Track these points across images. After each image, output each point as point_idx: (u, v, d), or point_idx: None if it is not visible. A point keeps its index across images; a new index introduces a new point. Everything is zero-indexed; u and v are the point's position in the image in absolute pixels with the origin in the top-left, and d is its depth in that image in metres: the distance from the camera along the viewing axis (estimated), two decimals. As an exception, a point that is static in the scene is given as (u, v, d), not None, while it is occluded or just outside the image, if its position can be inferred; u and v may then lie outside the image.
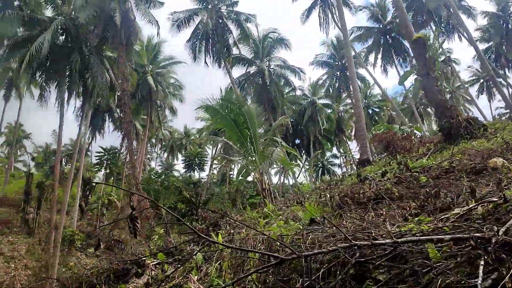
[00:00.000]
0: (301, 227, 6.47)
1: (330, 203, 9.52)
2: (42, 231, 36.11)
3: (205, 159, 57.28)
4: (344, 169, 60.42)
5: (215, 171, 68.46)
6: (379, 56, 43.02)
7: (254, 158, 17.68)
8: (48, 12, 29.08)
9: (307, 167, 49.38)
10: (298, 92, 51.21)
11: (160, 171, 57.25)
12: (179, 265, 11.53)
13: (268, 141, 19.75)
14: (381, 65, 43.32)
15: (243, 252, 5.41)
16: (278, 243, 5.36)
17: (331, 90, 50.56)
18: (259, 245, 6.73)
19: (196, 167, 54.34)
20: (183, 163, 56.63)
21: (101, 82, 26.49)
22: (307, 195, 14.60)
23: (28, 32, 26.52)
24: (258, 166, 17.67)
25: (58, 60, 27.03)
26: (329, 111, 53.64)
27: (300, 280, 3.70)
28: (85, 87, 29.38)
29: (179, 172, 67.01)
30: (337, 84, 49.25)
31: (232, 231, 11.95)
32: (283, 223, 8.06)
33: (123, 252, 18.67)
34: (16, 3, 27.37)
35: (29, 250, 32.18)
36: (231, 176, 66.45)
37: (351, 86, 36.26)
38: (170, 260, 12.07)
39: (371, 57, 43.72)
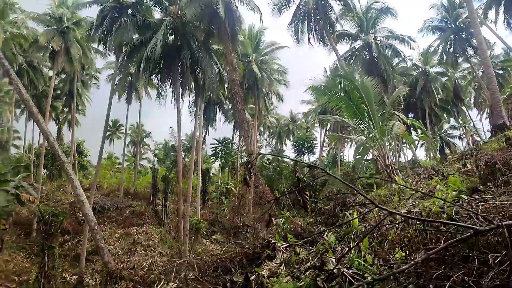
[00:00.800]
0: (464, 197, 5.74)
1: (478, 172, 8.47)
2: (170, 221, 38.89)
3: (314, 142, 56.75)
4: (465, 141, 55.62)
5: (324, 154, 67.76)
6: (501, 10, 38.30)
7: (373, 134, 16.77)
8: (157, 15, 30.88)
9: (423, 142, 46.23)
10: (408, 63, 47.95)
11: (271, 158, 58.12)
12: (311, 247, 11.29)
13: (386, 115, 18.63)
14: (503, 21, 38.54)
15: (422, 224, 4.81)
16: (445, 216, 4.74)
17: (444, 57, 46.44)
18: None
19: (306, 151, 54.07)
20: (292, 148, 56.74)
21: (211, 75, 27.42)
22: (438, 169, 13.41)
23: (141, 36, 28.38)
24: (379, 142, 16.71)
25: (170, 58, 28.59)
26: (444, 79, 49.52)
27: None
28: (196, 82, 30.74)
29: (289, 157, 67.56)
30: (451, 49, 45.04)
31: (362, 210, 11.39)
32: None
33: (247, 237, 19.14)
34: (129, 11, 29.40)
35: (162, 239, 34.81)
36: (342, 157, 65.16)
37: (475, 42, 32.54)
38: (300, 242, 11.91)
39: (491, 14, 39.13)
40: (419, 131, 34.59)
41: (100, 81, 55.47)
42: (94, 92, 56.48)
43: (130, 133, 69.44)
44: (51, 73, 43.43)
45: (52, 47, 37.85)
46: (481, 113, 60.12)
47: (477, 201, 4.51)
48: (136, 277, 15.63)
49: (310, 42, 37.96)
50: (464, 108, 56.98)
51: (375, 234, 9.02)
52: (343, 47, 45.16)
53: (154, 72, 30.88)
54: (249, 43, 41.50)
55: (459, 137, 59.31)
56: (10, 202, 25.29)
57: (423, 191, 7.82)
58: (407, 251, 6.19)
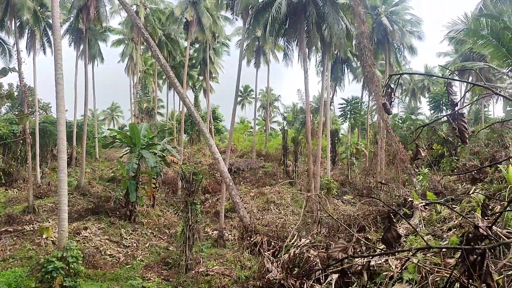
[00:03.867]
0: None
1: None
2: (301, 181, 39.51)
3: (454, 96, 51.80)
4: None
5: (465, 110, 61.52)
6: None
7: (530, 80, 14.49)
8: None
9: None
10: None
11: (404, 116, 54.87)
12: (454, 206, 10.31)
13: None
14: None
15: None
16: None
17: None
18: None
19: (444, 107, 49.68)
20: (428, 105, 52.60)
21: (337, 30, 26.37)
22: None
23: (265, -3, 28.36)
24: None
25: (296, 17, 28.14)
26: None
27: None
28: (322, 40, 29.91)
29: (424, 115, 63.01)
30: None
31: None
32: None
33: (380, 197, 18.43)
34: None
35: (293, 198, 35.64)
36: (487, 112, 58.65)
37: None
38: (441, 200, 10.97)
39: None
40: None
41: (230, 48, 57.70)
42: (226, 59, 59.03)
43: (260, 97, 71.53)
44: (186, 43, 46.37)
45: (185, 18, 40.13)
46: None
47: None
48: (270, 232, 16.22)
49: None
50: None
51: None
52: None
53: (280, 33, 30.84)
54: (378, -7, 38.87)
55: None
56: (158, 163, 28.08)
57: None
58: None
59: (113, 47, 52.58)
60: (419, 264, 7.43)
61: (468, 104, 58.06)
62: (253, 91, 69.14)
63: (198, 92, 62.55)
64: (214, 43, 51.33)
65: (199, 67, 53.86)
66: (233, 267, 19.68)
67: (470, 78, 48.40)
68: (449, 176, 12.54)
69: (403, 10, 41.05)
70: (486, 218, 6.59)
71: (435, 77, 67.55)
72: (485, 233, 2.31)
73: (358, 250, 10.73)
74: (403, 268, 7.83)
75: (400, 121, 49.83)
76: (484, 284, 2.12)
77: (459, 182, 11.22)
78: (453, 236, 8.28)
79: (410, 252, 6.46)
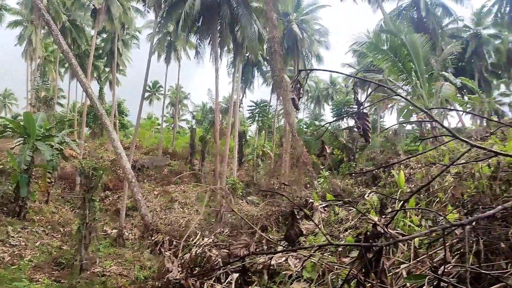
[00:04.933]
0: None
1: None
2: (207, 180, 39.37)
3: (354, 106, 55.28)
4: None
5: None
6: None
7: (420, 94, 15.87)
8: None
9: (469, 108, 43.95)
10: (459, 25, 45.11)
11: (308, 122, 57.34)
12: (351, 208, 10.88)
13: (435, 74, 17.58)
14: None
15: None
16: None
17: (499, 17, 43.36)
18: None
19: (345, 114, 52.85)
20: (331, 112, 55.57)
21: (250, 33, 26.75)
22: (492, 131, 12.51)
23: (180, -8, 27.83)
24: (426, 103, 15.82)
25: (209, 15, 28.00)
26: (497, 42, 46.46)
27: None
28: (235, 41, 30.12)
29: (327, 122, 66.40)
30: (508, 8, 41.92)
31: (407, 172, 10.80)
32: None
33: (283, 198, 18.94)
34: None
35: (198, 197, 35.37)
36: (382, 122, 63.45)
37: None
38: (339, 202, 11.52)
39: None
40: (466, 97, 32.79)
41: (140, 41, 55.69)
42: (134, 53, 56.75)
43: (169, 94, 70.04)
44: (92, 32, 43.84)
45: (93, 5, 37.94)
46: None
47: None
48: (173, 232, 15.85)
49: (354, -1, 36.26)
50: (517, 73, 53.64)
51: (422, 195, 8.50)
52: (389, 6, 42.94)
53: (192, 30, 30.47)
54: (290, 0, 40.09)
55: (510, 105, 56.32)
56: (55, 157, 26.09)
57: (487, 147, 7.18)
58: (460, 212, 5.70)
59: (9, 29, 48.08)
60: (317, 263, 7.63)
61: (368, 106, 62.16)
62: (162, 87, 67.59)
63: (104, 84, 59.39)
64: (123, 34, 49.21)
65: (105, 58, 51.21)
66: (132, 267, 18.93)
67: (369, 90, 51.94)
68: (347, 180, 13.24)
69: (312, 20, 42.91)
70: (384, 217, 6.98)
71: (338, 86, 71.63)
72: (382, 231, 2.38)
73: (260, 249, 10.86)
74: (302, 267, 8.02)
75: (305, 126, 51.99)
76: (378, 281, 2.18)
77: (356, 185, 11.88)
78: (348, 236, 8.70)
79: (312, 250, 6.62)
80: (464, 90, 48.21)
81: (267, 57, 39.72)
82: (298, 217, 2.71)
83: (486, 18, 45.93)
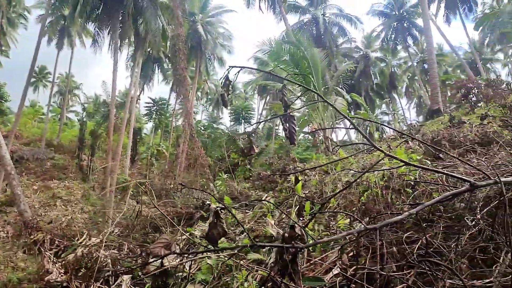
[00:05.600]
0: (428, 162, 5.65)
1: (424, 148, 8.55)
2: (95, 177, 37.21)
3: (252, 112, 56.58)
4: (393, 126, 58.47)
5: (260, 126, 67.96)
6: (442, 5, 39.90)
7: (317, 106, 16.73)
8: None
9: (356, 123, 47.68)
10: (352, 45, 48.84)
11: (206, 124, 57.32)
12: (247, 211, 11.04)
13: (331, 89, 18.68)
14: (443, 15, 40.25)
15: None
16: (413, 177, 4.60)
17: (386, 43, 47.83)
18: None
19: (243, 120, 53.84)
20: (230, 116, 56.22)
21: (154, 27, 25.93)
22: (379, 145, 13.64)
23: (81, -25, 26.00)
24: (321, 115, 16.74)
25: (111, 4, 26.53)
26: (382, 65, 51.18)
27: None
28: (137, 34, 28.99)
29: (225, 125, 67.04)
30: (393, 36, 46.43)
31: (302, 178, 11.28)
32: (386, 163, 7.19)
33: (178, 199, 18.63)
34: None
35: (85, 195, 33.23)
36: (277, 130, 65.85)
37: (415, 33, 33.52)
38: (236, 205, 11.62)
39: (433, 7, 40.63)
40: (353, 112, 35.52)
41: (29, 21, 50.83)
42: (22, 34, 51.62)
43: (58, 82, 64.97)
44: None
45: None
46: (409, 102, 63.37)
47: (442, 167, 4.36)
48: (55, 230, 14.66)
49: (260, 8, 37.25)
50: (396, 95, 59.51)
51: (315, 201, 8.91)
52: (292, 19, 44.86)
53: (91, 17, 28.61)
54: (197, 1, 39.88)
55: (388, 123, 62.31)
56: None
57: (386, 153, 7.78)
58: (351, 218, 6.06)
59: None
60: (213, 265, 7.57)
61: (263, 121, 64.13)
62: (50, 74, 62.60)
63: (-19, 64, 53.20)
64: (9, 12, 44.55)
65: (-14, 35, 45.88)
66: (2, 268, 17.05)
67: (268, 98, 53.67)
68: (244, 183, 13.42)
69: (218, 23, 43.13)
70: (301, 219, 7.18)
71: (238, 92, 72.78)
72: (299, 233, 2.40)
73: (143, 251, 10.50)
74: (198, 268, 7.91)
75: (203, 128, 51.84)
76: (293, 283, 2.19)
77: (253, 189, 12.09)
78: (245, 239, 8.80)
79: (234, 250, 6.57)
80: (352, 106, 52.19)
81: (170, 55, 38.94)
82: (221, 217, 2.62)
83: (375, 42, 50.36)
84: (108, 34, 28.45)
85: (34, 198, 29.69)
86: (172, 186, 25.02)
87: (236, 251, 8.08)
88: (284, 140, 47.35)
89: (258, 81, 50.33)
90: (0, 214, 26.40)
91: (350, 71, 43.10)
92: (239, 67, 3.06)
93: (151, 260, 8.83)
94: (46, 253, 11.16)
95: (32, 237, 11.89)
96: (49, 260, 10.51)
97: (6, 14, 43.37)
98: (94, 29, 30.64)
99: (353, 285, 2.67)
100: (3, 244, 23.27)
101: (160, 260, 2.58)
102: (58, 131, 51.86)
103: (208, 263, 7.26)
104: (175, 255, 6.26)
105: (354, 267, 3.18)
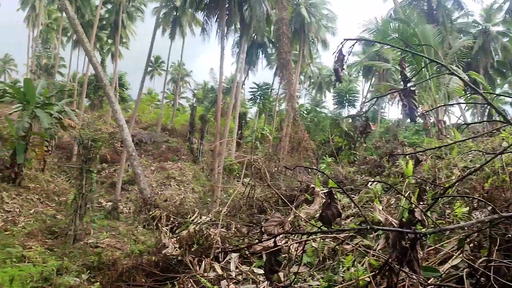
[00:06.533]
0: None
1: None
2: (204, 159, 39.31)
3: (356, 95, 54.98)
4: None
5: (364, 109, 65.83)
6: None
7: (428, 86, 15.66)
8: None
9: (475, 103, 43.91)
10: (468, 19, 44.62)
11: (309, 108, 57.07)
12: (353, 195, 10.78)
13: (443, 68, 17.32)
14: None
15: None
16: None
17: (510, 15, 42.87)
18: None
19: (346, 103, 52.67)
20: (333, 100, 55.35)
21: (258, 12, 26.32)
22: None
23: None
24: (433, 95, 15.64)
25: (219, -7, 27.50)
26: (505, 40, 46.05)
27: None
28: (242, 20, 29.70)
29: (328, 109, 66.15)
30: (518, 7, 41.47)
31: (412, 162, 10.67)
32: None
33: (282, 182, 18.87)
34: None
35: (195, 176, 35.34)
36: (383, 113, 63.32)
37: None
38: (341, 189, 11.42)
39: None
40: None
41: (145, 14, 54.86)
42: (139, 26, 55.84)
43: (171, 70, 69.40)
44: (97, 2, 43.09)
45: (99, -26, 37.23)
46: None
47: None
48: (170, 208, 15.79)
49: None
50: (522, 72, 53.38)
51: (427, 187, 8.37)
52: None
53: (200, 7, 29.98)
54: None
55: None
56: (53, 126, 25.85)
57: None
58: (471, 207, 5.57)
59: (12, -7, 47.30)
60: (318, 248, 7.56)
61: (369, 100, 62.18)
62: (164, 62, 66.94)
63: (105, 56, 58.68)
64: (129, 6, 48.45)
65: (109, 29, 50.48)
66: (126, 241, 18.90)
67: (373, 79, 51.70)
68: (349, 167, 13.12)
69: (321, 4, 42.31)
70: (421, 203, 6.87)
71: (341, 74, 70.94)
72: (419, 218, 2.24)
73: (257, 231, 10.79)
74: (303, 251, 7.92)
75: (306, 112, 51.75)
76: (410, 270, 2.06)
77: (358, 173, 11.76)
78: (351, 224, 8.60)
79: (350, 233, 6.53)
80: (467, 87, 47.94)
81: (273, 39, 39.29)
82: (335, 197, 2.56)
83: (496, 15, 45.45)
84: (216, 22, 29.60)
85: (152, 178, 32.25)
86: (276, 169, 25.44)
87: (345, 234, 7.97)
88: (390, 124, 45.39)
89: (363, 62, 48.60)
90: (123, 192, 29.14)
91: (467, 48, 39.56)
92: (354, 39, 2.92)
93: (264, 238, 9.06)
94: (163, 228, 12.09)
95: (150, 213, 12.94)
96: (165, 235, 11.36)
97: (125, 8, 47.22)
98: (203, 18, 32.11)
99: (482, 278, 2.43)
100: (126, 219, 25.79)
101: (272, 238, 2.58)
102: (171, 116, 55.63)
103: (313, 246, 7.25)
104: (281, 235, 6.31)
105: (483, 259, 2.89)
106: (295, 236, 6.92)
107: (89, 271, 12.45)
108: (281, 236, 7.83)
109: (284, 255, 8.01)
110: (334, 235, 6.78)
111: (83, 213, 19.28)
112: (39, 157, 27.15)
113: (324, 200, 10.49)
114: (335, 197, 2.58)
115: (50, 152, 29.83)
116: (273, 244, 2.52)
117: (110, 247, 17.32)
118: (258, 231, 10.52)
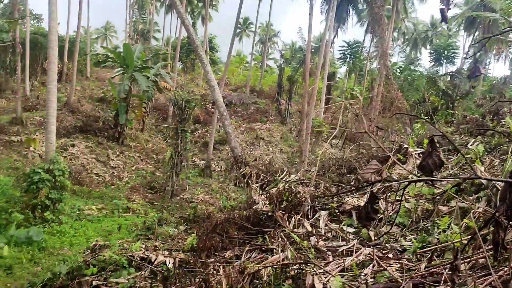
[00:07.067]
0: None
1: None
2: (292, 120, 39.39)
3: (456, 51, 50.65)
4: None
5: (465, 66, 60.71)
6: None
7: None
8: None
9: None
10: None
11: (403, 66, 53.99)
12: (450, 156, 10.21)
13: None
14: None
15: None
16: None
17: None
18: None
19: (444, 60, 48.84)
20: (429, 57, 51.57)
21: (350, -35, 24.98)
22: None
23: None
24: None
25: None
26: None
27: None
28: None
29: (423, 67, 62.07)
30: None
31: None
32: None
33: (371, 143, 18.33)
34: None
35: (283, 136, 35.66)
36: (487, 71, 57.96)
37: None
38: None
39: None
40: None
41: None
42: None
43: (259, 31, 69.36)
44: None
45: None
46: None
47: None
48: (259, 166, 16.21)
49: None
50: None
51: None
52: None
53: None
54: None
55: None
56: (150, 88, 27.45)
57: None
58: None
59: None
60: (412, 208, 7.35)
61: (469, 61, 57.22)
62: (252, 24, 66.96)
63: (196, 20, 60.24)
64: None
65: (199, -8, 51.52)
66: (218, 197, 19.90)
67: (477, 33, 47.29)
68: (446, 127, 12.36)
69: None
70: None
71: (440, 29, 65.88)
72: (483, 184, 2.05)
73: (345, 190, 10.70)
74: (394, 211, 7.74)
75: (399, 71, 49.10)
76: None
77: (457, 133, 11.05)
78: (448, 185, 8.17)
79: (451, 182, 6.31)
80: None
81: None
82: (437, 145, 2.44)
83: None
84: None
85: (241, 139, 33.16)
86: (367, 129, 24.74)
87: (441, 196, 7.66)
88: (495, 81, 41.41)
89: (465, 14, 44.42)
90: (215, 151, 30.40)
91: None
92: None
93: (361, 185, 9.00)
94: (253, 185, 12.49)
95: (241, 171, 13.38)
96: (256, 192, 11.74)
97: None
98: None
99: None
100: (218, 177, 27.02)
101: (370, 185, 2.54)
102: (259, 77, 56.09)
103: (405, 207, 7.04)
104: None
105: None
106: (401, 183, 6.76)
107: (186, 223, 13.37)
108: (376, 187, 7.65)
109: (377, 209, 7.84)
110: (435, 185, 6.50)
111: (179, 171, 20.55)
112: (138, 118, 29.15)
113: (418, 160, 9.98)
114: (437, 145, 2.44)
115: (148, 113, 31.86)
116: (368, 196, 2.47)
117: (203, 202, 18.37)
118: (347, 190, 10.44)
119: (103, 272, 8.64)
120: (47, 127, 14.37)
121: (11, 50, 31.87)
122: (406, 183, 3.09)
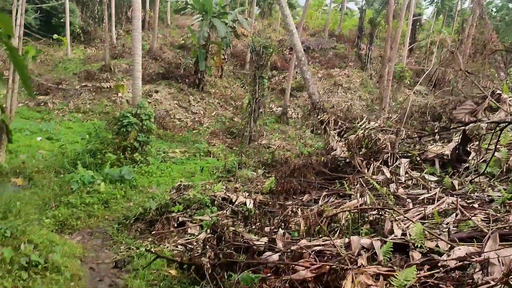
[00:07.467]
0: None
1: None
2: (373, 66, 37.78)
3: None
4: None
5: None
6: None
7: None
8: None
9: None
10: None
11: (500, 4, 48.79)
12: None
13: None
14: None
15: None
16: None
17: None
18: None
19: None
20: (533, -7, 45.95)
21: None
22: None
23: None
24: None
25: None
26: None
27: None
28: None
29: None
30: None
31: None
32: None
33: (459, 89, 17.15)
34: None
35: (362, 83, 34.49)
36: None
37: None
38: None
39: None
40: None
41: None
42: None
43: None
44: None
45: None
46: None
47: None
48: (338, 113, 16.00)
49: None
50: None
51: None
52: None
53: None
54: None
55: None
56: (228, 34, 27.56)
57: None
58: None
59: None
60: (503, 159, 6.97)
61: None
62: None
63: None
64: None
65: None
66: (294, 144, 20.09)
67: None
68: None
69: None
70: None
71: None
72: None
73: (431, 139, 10.30)
74: (484, 161, 7.38)
75: (495, 10, 44.56)
76: None
77: None
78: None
79: None
80: None
81: None
82: None
83: None
84: None
85: (319, 85, 32.58)
86: (454, 75, 23.08)
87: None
88: None
89: None
90: (292, 97, 30.27)
91: None
92: None
93: (452, 126, 8.66)
94: (331, 132, 12.43)
95: (319, 117, 13.32)
96: (333, 139, 11.70)
97: None
98: None
99: None
100: (295, 123, 27.09)
101: (463, 126, 2.43)
102: (339, 21, 53.82)
103: (495, 156, 6.65)
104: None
105: None
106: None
107: (263, 167, 13.77)
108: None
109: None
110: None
111: (256, 117, 20.89)
112: (217, 64, 29.61)
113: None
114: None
115: (226, 60, 32.22)
116: (460, 137, 2.37)
117: (280, 148, 18.66)
118: (431, 138, 10.05)
119: (188, 210, 9.31)
120: (133, 74, 15.17)
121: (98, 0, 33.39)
122: (504, 125, 2.88)
